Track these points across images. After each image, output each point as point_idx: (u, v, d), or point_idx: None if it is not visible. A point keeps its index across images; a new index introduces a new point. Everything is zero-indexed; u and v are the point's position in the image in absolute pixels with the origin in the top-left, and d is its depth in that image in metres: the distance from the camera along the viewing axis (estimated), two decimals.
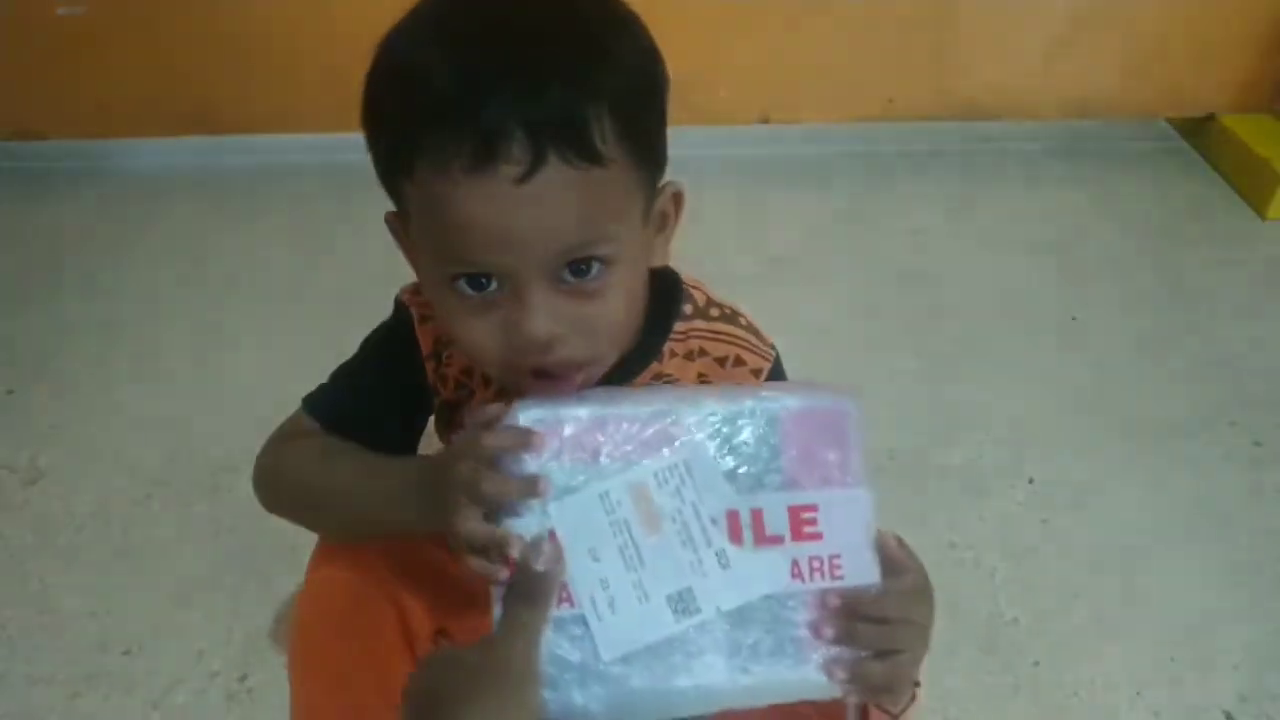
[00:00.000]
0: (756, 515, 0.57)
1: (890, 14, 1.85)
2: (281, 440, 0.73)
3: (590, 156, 0.52)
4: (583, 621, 0.55)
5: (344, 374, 0.75)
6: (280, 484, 0.72)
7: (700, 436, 0.57)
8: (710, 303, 0.73)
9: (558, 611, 0.55)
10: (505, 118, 0.50)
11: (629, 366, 0.67)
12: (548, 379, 0.59)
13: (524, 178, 0.51)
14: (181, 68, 1.85)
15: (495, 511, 0.55)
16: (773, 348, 0.74)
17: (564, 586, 0.55)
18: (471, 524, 0.54)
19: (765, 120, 1.94)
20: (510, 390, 0.65)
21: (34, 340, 1.53)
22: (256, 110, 1.89)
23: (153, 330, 1.55)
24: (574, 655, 0.55)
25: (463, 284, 0.56)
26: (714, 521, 0.56)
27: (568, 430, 0.56)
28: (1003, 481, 1.28)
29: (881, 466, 1.28)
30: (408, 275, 0.66)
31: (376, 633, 0.71)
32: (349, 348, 0.75)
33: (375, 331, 0.76)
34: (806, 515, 0.57)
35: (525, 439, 0.55)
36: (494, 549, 0.54)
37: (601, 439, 0.56)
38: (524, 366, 0.58)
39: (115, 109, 1.89)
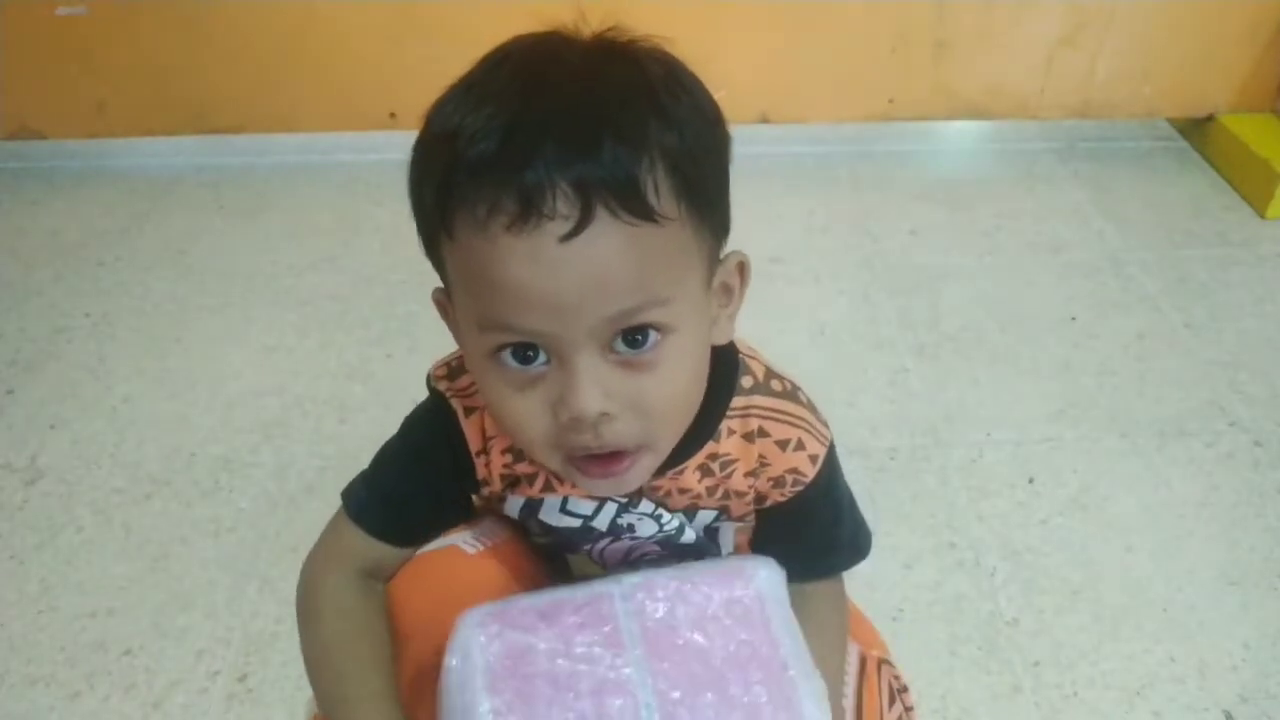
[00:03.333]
0: None
1: (890, 14, 1.85)
2: (326, 563, 0.67)
3: (642, 212, 0.48)
4: None
5: (385, 471, 0.69)
6: (311, 652, 0.66)
7: None
8: (770, 374, 0.66)
9: None
10: (550, 171, 0.47)
11: (683, 448, 0.62)
12: (598, 464, 0.55)
13: (570, 235, 0.47)
14: (181, 68, 1.85)
15: None
16: (827, 426, 0.68)
17: None
18: None
19: (765, 120, 1.94)
20: (561, 478, 0.61)
21: (34, 340, 1.53)
22: (256, 110, 1.89)
23: (152, 330, 1.55)
24: None
25: (507, 356, 0.52)
26: None
27: None
28: (1003, 481, 1.28)
29: (882, 466, 1.29)
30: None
31: None
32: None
33: (414, 422, 0.69)
34: None
35: None
36: None
37: None
38: (573, 448, 0.54)
39: (115, 109, 1.89)
